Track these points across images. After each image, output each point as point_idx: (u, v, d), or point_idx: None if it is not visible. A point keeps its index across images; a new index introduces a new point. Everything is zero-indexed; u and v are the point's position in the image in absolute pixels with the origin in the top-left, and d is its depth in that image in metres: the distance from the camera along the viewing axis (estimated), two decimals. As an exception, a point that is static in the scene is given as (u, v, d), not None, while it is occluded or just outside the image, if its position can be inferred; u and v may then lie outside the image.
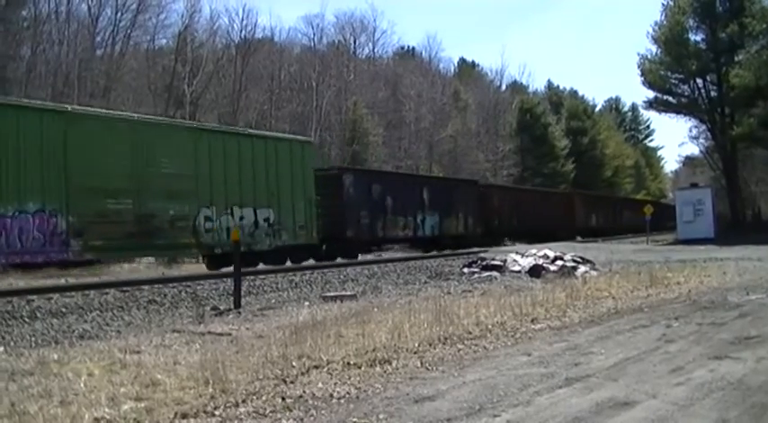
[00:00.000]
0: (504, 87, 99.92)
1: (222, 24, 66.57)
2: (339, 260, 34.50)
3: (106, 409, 7.12)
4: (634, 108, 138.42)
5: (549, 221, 59.15)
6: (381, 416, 6.91)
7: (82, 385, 8.14)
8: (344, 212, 36.67)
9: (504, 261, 25.40)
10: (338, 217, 35.64)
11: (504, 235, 54.36)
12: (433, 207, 44.31)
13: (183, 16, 59.42)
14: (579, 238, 59.92)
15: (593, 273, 23.16)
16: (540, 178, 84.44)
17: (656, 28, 59.15)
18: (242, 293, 17.61)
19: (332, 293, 18.89)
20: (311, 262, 32.00)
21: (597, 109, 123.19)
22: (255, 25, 72.05)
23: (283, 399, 7.51)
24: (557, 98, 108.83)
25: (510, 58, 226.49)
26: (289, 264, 30.59)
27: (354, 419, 6.84)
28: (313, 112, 64.04)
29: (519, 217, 55.86)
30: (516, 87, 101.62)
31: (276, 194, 30.28)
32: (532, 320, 12.67)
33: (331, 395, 7.69)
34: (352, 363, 9.11)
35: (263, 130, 60.73)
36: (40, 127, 21.91)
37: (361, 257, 36.65)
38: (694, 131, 68.70)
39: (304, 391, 7.79)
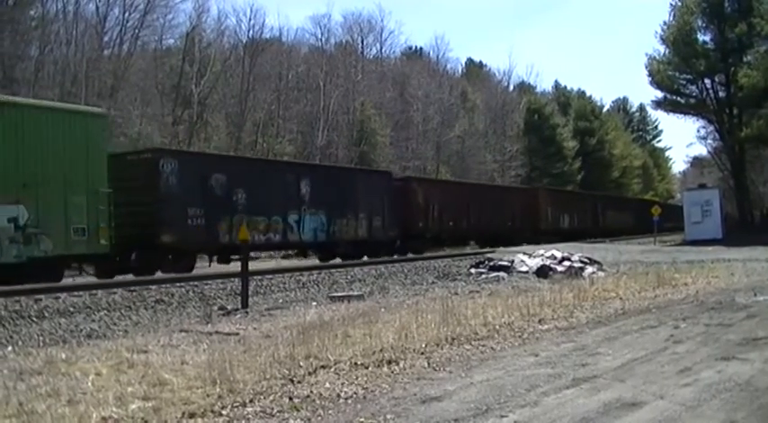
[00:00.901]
0: (511, 88, 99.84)
1: (230, 24, 66.87)
2: (330, 262, 33.76)
3: (114, 409, 7.13)
4: (642, 108, 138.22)
5: (503, 223, 51.47)
6: (389, 416, 6.91)
7: (90, 385, 8.15)
8: (160, 210, 27.59)
9: (512, 262, 25.43)
10: (150, 216, 27.12)
11: (435, 240, 44.80)
12: (316, 204, 35.08)
13: (190, 16, 59.54)
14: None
15: (601, 273, 23.16)
16: (548, 179, 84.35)
17: (665, 28, 59.22)
18: (249, 293, 17.61)
19: (339, 293, 18.91)
20: (316, 262, 31.81)
21: (605, 109, 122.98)
22: (263, 25, 72.03)
23: (291, 399, 7.52)
24: (564, 98, 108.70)
25: (518, 59, 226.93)
26: (295, 262, 30.52)
27: (362, 419, 6.85)
28: (320, 113, 64.04)
29: (458, 218, 46.32)
30: (524, 88, 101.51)
31: (34, 185, 21.76)
32: (540, 321, 12.67)
33: (338, 395, 7.70)
34: (359, 363, 9.12)
35: (270, 129, 61.20)
36: None
37: (365, 258, 35.90)
38: (702, 132, 68.87)
39: (311, 391, 7.80)
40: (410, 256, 36.80)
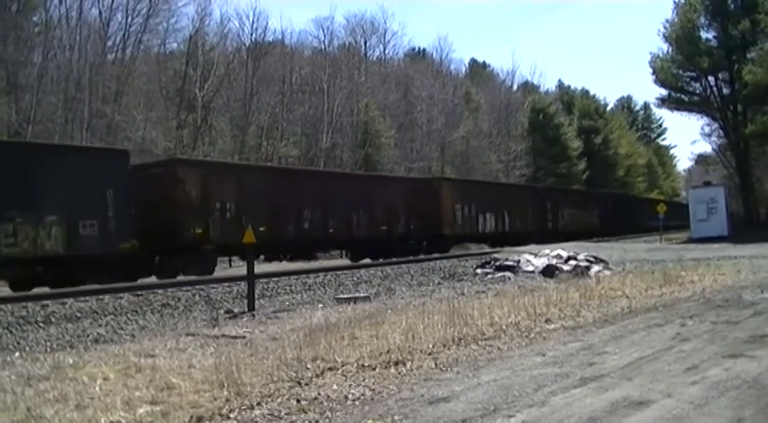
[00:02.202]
0: (515, 88, 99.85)
1: (233, 28, 66.72)
2: (348, 261, 34.76)
3: (121, 413, 7.15)
4: (646, 107, 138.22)
5: (373, 226, 37.52)
6: (396, 417, 6.91)
7: (97, 389, 8.17)
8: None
9: (518, 261, 25.45)
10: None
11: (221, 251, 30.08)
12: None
13: (193, 20, 59.47)
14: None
15: (607, 272, 23.18)
16: (553, 178, 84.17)
17: (668, 26, 59.18)
18: (255, 296, 17.64)
19: (345, 295, 18.93)
20: (323, 264, 31.93)
21: (609, 108, 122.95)
22: (266, 28, 72.15)
23: (298, 401, 7.52)
24: (568, 98, 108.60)
25: (521, 59, 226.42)
26: (300, 265, 30.58)
27: (369, 421, 6.85)
28: (324, 115, 64.00)
29: (283, 220, 32.13)
30: (528, 88, 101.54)
31: None
32: (546, 320, 12.66)
33: (346, 397, 7.70)
34: (366, 364, 9.12)
35: (275, 132, 61.21)
36: None
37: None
38: (707, 129, 68.62)
39: (319, 393, 7.81)
40: (413, 257, 36.99)
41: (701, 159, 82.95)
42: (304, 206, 33.28)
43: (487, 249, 43.85)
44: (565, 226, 59.65)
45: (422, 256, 37.45)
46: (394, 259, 34.58)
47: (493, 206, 48.84)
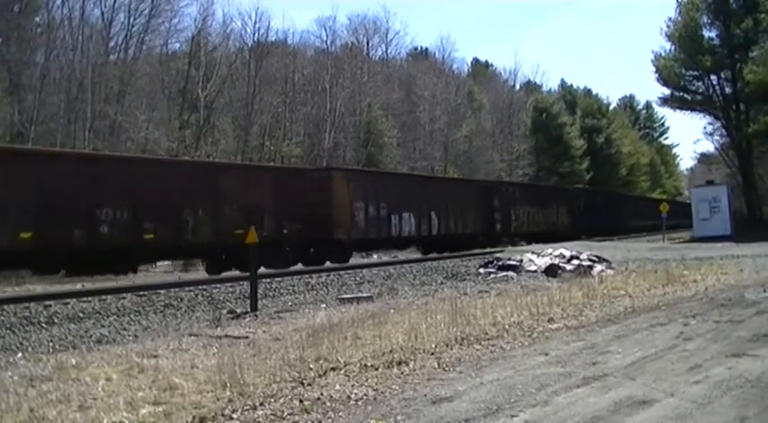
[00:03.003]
0: (518, 87, 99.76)
1: (235, 28, 66.60)
2: (353, 261, 34.32)
3: (124, 414, 7.15)
4: (648, 106, 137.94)
5: (222, 229, 28.82)
6: (399, 417, 6.92)
7: (100, 390, 8.17)
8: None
9: (521, 261, 25.45)
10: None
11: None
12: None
13: (196, 20, 59.50)
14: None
15: (610, 271, 23.16)
16: (556, 177, 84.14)
17: (671, 25, 59.19)
18: (258, 296, 17.64)
19: (348, 295, 18.93)
20: (328, 264, 31.85)
21: (612, 107, 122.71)
22: (268, 28, 71.87)
23: (301, 401, 7.53)
24: (571, 97, 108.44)
25: (523, 58, 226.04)
26: (300, 265, 30.57)
27: (372, 421, 6.85)
28: (327, 115, 64.00)
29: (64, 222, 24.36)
30: (530, 87, 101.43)
31: None
32: (549, 320, 12.66)
33: (349, 397, 7.70)
34: (369, 364, 9.12)
35: (278, 132, 61.22)
36: None
37: (375, 258, 37.41)
38: (709, 128, 68.52)
39: (322, 394, 7.81)
40: (418, 256, 37.04)
41: (703, 158, 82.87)
42: (101, 203, 24.81)
43: (418, 256, 39.17)
44: (520, 227, 51.77)
45: (421, 256, 37.56)
46: (397, 258, 34.45)
47: (414, 204, 39.74)
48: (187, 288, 21.17)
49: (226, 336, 12.53)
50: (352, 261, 35.04)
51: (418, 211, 40.17)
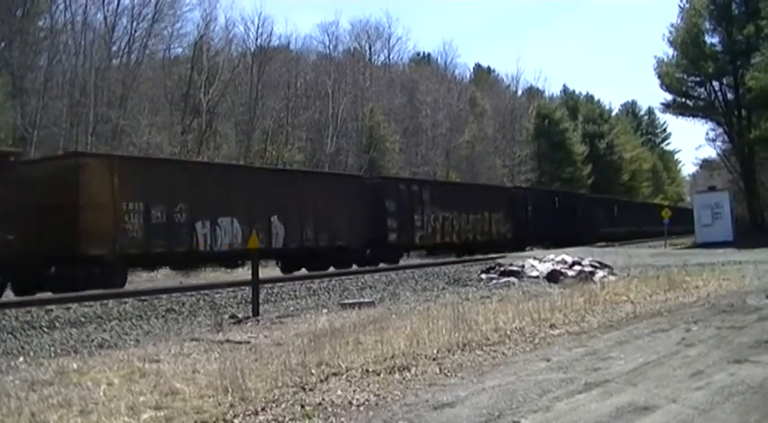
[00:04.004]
0: (520, 93, 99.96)
1: (238, 33, 66.91)
2: (355, 267, 34.06)
3: (126, 419, 7.16)
4: (650, 111, 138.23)
5: None
6: (401, 422, 6.91)
7: (101, 395, 8.16)
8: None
9: (522, 267, 25.41)
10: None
11: None
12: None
13: (198, 25, 59.83)
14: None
15: (612, 277, 23.11)
16: (558, 183, 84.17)
17: (673, 31, 59.23)
18: (260, 301, 17.62)
19: (350, 300, 18.89)
20: (330, 269, 31.86)
21: (614, 113, 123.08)
22: (271, 33, 72.11)
23: (303, 406, 7.52)
24: (573, 103, 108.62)
25: (526, 64, 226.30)
26: (303, 270, 30.47)
27: (374, 426, 6.85)
28: (329, 120, 64.15)
29: None
30: (532, 93, 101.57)
31: None
32: (551, 326, 12.64)
33: (350, 402, 7.69)
34: (370, 370, 9.11)
35: (280, 137, 61.25)
36: None
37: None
38: (711, 134, 68.49)
39: (323, 399, 7.80)
40: (419, 262, 36.93)
41: (705, 164, 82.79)
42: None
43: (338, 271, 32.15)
44: (429, 237, 41.82)
45: (427, 261, 37.51)
46: (399, 264, 34.35)
47: (242, 207, 30.03)
48: (189, 293, 21.18)
49: (227, 341, 12.52)
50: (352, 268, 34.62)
51: (249, 216, 30.21)
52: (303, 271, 32.45)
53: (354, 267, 33.71)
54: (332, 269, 33.05)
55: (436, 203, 42.29)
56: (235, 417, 7.23)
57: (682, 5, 59.14)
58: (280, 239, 31.88)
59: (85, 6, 50.22)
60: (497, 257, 34.56)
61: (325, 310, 17.24)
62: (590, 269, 24.61)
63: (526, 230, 51.25)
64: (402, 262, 38.09)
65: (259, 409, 7.45)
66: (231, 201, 29.54)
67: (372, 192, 38.36)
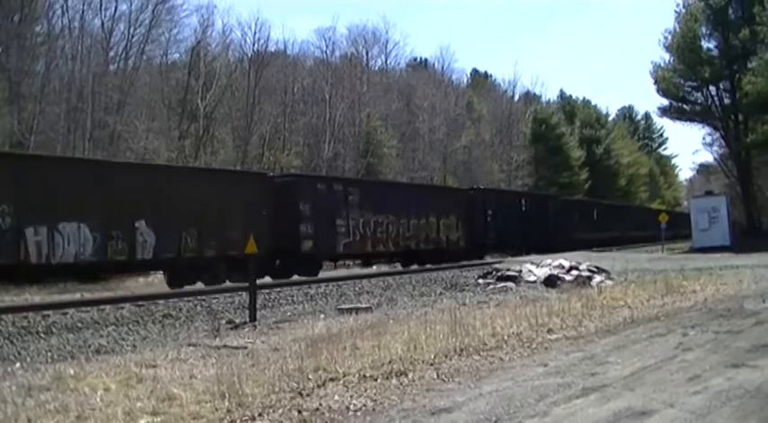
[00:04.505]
0: (517, 98, 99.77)
1: (235, 38, 66.69)
2: (354, 271, 33.66)
3: (123, 424, 7.16)
4: (647, 116, 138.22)
5: None
6: (398, 428, 6.92)
7: (98, 400, 8.16)
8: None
9: (520, 272, 25.42)
10: None
11: None
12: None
13: (195, 30, 59.67)
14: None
15: (609, 282, 23.14)
16: (555, 188, 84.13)
17: (669, 36, 59.31)
18: (257, 307, 17.63)
19: (347, 306, 18.91)
20: (327, 274, 31.78)
21: (611, 118, 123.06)
22: (268, 39, 71.76)
23: (300, 411, 7.52)
24: (570, 108, 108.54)
25: (523, 69, 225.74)
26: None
27: (371, 432, 6.85)
28: (327, 125, 64.13)
29: None
30: (529, 97, 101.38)
31: None
32: (548, 331, 12.65)
33: (347, 407, 7.70)
34: (368, 375, 9.11)
35: (277, 142, 61.28)
36: None
37: (375, 269, 35.42)
38: (708, 139, 68.68)
39: (320, 404, 7.80)
40: (416, 267, 36.69)
41: (702, 169, 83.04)
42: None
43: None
44: (357, 244, 35.56)
45: (416, 267, 36.84)
46: (396, 269, 34.11)
47: (90, 209, 24.25)
48: (186, 298, 21.12)
49: (224, 346, 12.52)
50: (347, 272, 34.78)
51: (104, 220, 24.91)
52: (200, 285, 26.90)
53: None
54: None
55: (367, 206, 36.10)
56: (232, 422, 7.24)
57: (678, 11, 59.32)
58: (148, 249, 26.16)
59: (83, 12, 50.22)
60: (495, 262, 34.45)
61: (322, 316, 17.28)
62: (587, 274, 24.64)
63: (485, 237, 45.88)
64: (326, 274, 33.37)
65: (256, 414, 7.45)
66: (78, 201, 23.91)
67: (282, 192, 32.08)
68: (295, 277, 30.64)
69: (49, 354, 12.88)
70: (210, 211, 27.86)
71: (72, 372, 10.10)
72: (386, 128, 69.65)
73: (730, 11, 57.36)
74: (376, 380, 8.92)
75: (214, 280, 27.58)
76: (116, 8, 52.69)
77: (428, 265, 37.14)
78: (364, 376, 9.07)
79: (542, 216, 53.48)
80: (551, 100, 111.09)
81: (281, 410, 7.58)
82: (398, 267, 38.39)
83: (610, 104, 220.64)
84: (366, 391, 8.41)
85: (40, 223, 22.89)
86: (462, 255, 41.64)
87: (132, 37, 53.93)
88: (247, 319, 16.78)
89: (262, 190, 31.01)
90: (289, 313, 18.58)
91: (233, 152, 58.26)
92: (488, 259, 41.37)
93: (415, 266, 37.53)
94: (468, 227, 44.11)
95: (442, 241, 41.56)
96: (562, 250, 40.87)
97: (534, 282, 23.91)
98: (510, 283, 24.05)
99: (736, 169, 62.09)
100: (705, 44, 59.02)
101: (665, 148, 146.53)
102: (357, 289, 24.29)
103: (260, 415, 7.44)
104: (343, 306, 18.92)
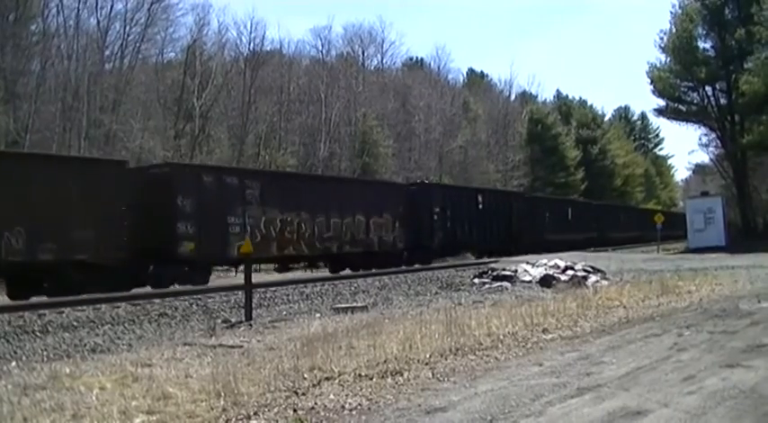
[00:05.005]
0: (513, 98, 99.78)
1: (231, 37, 66.79)
2: (348, 271, 33.07)
3: (118, 423, 7.16)
4: (643, 117, 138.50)
5: None
6: (393, 427, 6.92)
7: (94, 399, 8.16)
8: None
9: (515, 271, 25.42)
10: None
11: None
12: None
13: (191, 29, 59.61)
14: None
15: (604, 282, 23.15)
16: (551, 188, 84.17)
17: (665, 36, 59.32)
18: (253, 306, 17.64)
19: (343, 305, 18.92)
20: (325, 273, 31.63)
21: (607, 118, 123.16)
22: (264, 38, 72.30)
23: (295, 410, 7.53)
24: (566, 108, 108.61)
25: (519, 69, 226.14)
26: (299, 274, 30.12)
27: (366, 431, 6.85)
28: (322, 124, 64.07)
29: None
30: (525, 97, 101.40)
31: None
32: (544, 330, 12.66)
33: (343, 407, 7.70)
34: (363, 374, 9.12)
35: (273, 142, 61.22)
36: None
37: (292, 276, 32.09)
38: (704, 139, 68.57)
39: (316, 403, 7.81)
40: (414, 267, 36.47)
41: (698, 169, 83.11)
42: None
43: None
44: (257, 247, 27.68)
45: (418, 266, 36.42)
46: (392, 269, 33.89)
47: None
48: (182, 297, 21.10)
49: (220, 345, 12.53)
50: (346, 272, 34.07)
51: None
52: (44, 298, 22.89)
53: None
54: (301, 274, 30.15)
55: (272, 202, 30.74)
56: (227, 421, 7.24)
57: (674, 11, 59.32)
58: None
59: (78, 11, 50.09)
60: (491, 262, 34.21)
61: (318, 315, 17.28)
62: (583, 274, 24.64)
63: (431, 239, 40.75)
64: (219, 281, 29.49)
65: (251, 413, 7.46)
66: None
67: (155, 184, 27.23)
68: (292, 275, 30.38)
69: (45, 353, 12.87)
70: (45, 206, 22.56)
71: (68, 370, 10.11)
72: (382, 127, 69.54)
73: (726, 11, 57.40)
74: (371, 379, 8.93)
75: (63, 290, 22.79)
76: (111, 7, 52.57)
77: (361, 270, 33.26)
78: (360, 375, 9.07)
79: (505, 215, 48.55)
80: (547, 100, 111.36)
81: (276, 409, 7.59)
82: (326, 273, 34.33)
83: (606, 105, 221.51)
84: (361, 390, 8.41)
85: None
86: (400, 258, 37.98)
87: (128, 36, 53.88)
88: (243, 318, 16.79)
89: (122, 181, 25.48)
90: (284, 312, 18.58)
91: (229, 151, 58.20)
92: (434, 264, 37.63)
93: (347, 271, 33.83)
94: (409, 227, 38.91)
95: (373, 243, 36.35)
96: (529, 252, 39.46)
97: (530, 281, 23.90)
98: (505, 283, 24.05)
99: (731, 170, 62.08)
100: (701, 44, 59.11)
101: (660, 149, 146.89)
102: (353, 288, 24.29)
103: (255, 414, 7.44)
104: (339, 305, 18.92)
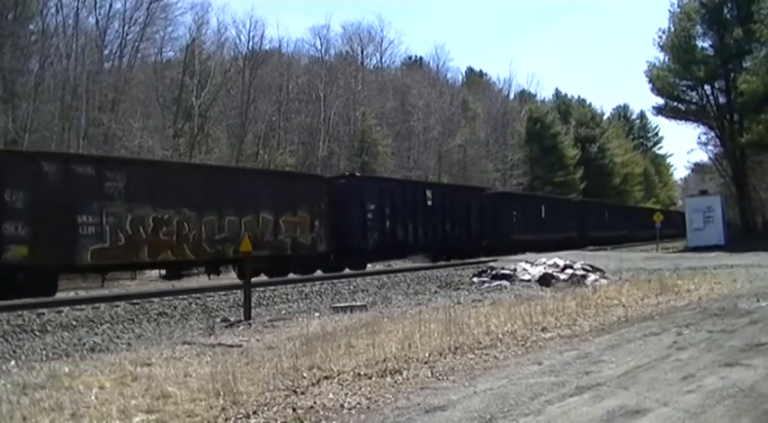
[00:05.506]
0: (512, 96, 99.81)
1: (230, 36, 66.80)
2: (264, 277, 29.06)
3: (117, 422, 7.14)
4: (642, 115, 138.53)
5: None
6: (392, 426, 6.92)
7: (93, 398, 8.15)
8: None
9: (514, 270, 25.42)
10: None
11: None
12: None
13: (190, 29, 59.62)
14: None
15: (603, 281, 23.14)
16: (550, 187, 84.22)
17: (663, 35, 59.34)
18: (252, 305, 17.63)
19: (342, 304, 18.90)
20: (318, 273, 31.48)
21: (605, 117, 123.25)
22: (263, 37, 72.07)
23: (294, 409, 7.52)
24: (565, 106, 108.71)
25: (518, 68, 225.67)
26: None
27: (365, 430, 6.85)
28: (321, 123, 64.08)
29: None
30: (525, 96, 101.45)
31: None
32: (543, 329, 12.65)
33: (342, 406, 7.70)
34: (362, 373, 9.11)
35: (272, 141, 61.19)
36: None
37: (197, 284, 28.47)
38: (703, 138, 68.60)
39: (315, 402, 7.80)
40: (413, 265, 36.45)
41: (697, 168, 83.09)
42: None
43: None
44: (119, 251, 24.76)
45: (413, 265, 35.54)
46: (390, 267, 33.44)
47: None
48: (181, 296, 21.10)
49: (219, 344, 12.52)
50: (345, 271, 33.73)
51: None
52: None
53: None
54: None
55: (141, 197, 25.75)
56: (226, 420, 7.24)
57: (672, 10, 59.35)
58: None
59: (77, 10, 50.05)
60: (489, 261, 34.03)
61: (317, 314, 17.27)
62: (582, 273, 24.63)
63: (364, 240, 35.99)
64: (66, 294, 25.16)
65: (250, 412, 7.45)
66: None
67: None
68: (290, 275, 30.35)
69: (44, 352, 12.85)
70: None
71: (67, 370, 10.10)
72: (381, 126, 69.61)
73: (725, 10, 57.47)
74: (370, 378, 8.92)
75: None
76: (110, 6, 52.60)
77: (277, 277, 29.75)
78: (359, 374, 9.07)
79: (461, 214, 43.70)
80: (546, 99, 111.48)
81: (275, 408, 7.58)
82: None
83: (605, 103, 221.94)
84: (361, 389, 8.41)
85: None
86: (323, 262, 33.56)
87: (127, 35, 53.86)
88: (242, 318, 16.77)
89: None
90: (283, 311, 18.56)
91: (228, 150, 58.19)
92: (370, 268, 35.01)
93: (263, 277, 29.26)
94: (335, 226, 34.20)
95: (285, 245, 31.39)
96: (493, 254, 37.79)
97: (529, 280, 23.90)
98: (504, 282, 24.05)
99: (730, 169, 62.14)
100: (700, 43, 59.18)
101: (659, 148, 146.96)
102: (352, 287, 24.27)
103: (254, 413, 7.44)
104: (338, 304, 18.91)
